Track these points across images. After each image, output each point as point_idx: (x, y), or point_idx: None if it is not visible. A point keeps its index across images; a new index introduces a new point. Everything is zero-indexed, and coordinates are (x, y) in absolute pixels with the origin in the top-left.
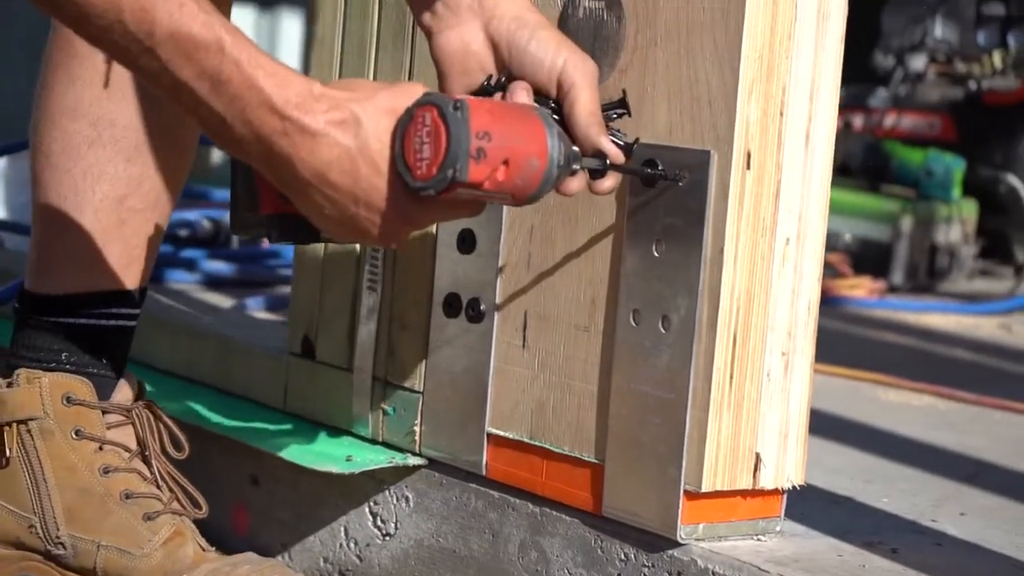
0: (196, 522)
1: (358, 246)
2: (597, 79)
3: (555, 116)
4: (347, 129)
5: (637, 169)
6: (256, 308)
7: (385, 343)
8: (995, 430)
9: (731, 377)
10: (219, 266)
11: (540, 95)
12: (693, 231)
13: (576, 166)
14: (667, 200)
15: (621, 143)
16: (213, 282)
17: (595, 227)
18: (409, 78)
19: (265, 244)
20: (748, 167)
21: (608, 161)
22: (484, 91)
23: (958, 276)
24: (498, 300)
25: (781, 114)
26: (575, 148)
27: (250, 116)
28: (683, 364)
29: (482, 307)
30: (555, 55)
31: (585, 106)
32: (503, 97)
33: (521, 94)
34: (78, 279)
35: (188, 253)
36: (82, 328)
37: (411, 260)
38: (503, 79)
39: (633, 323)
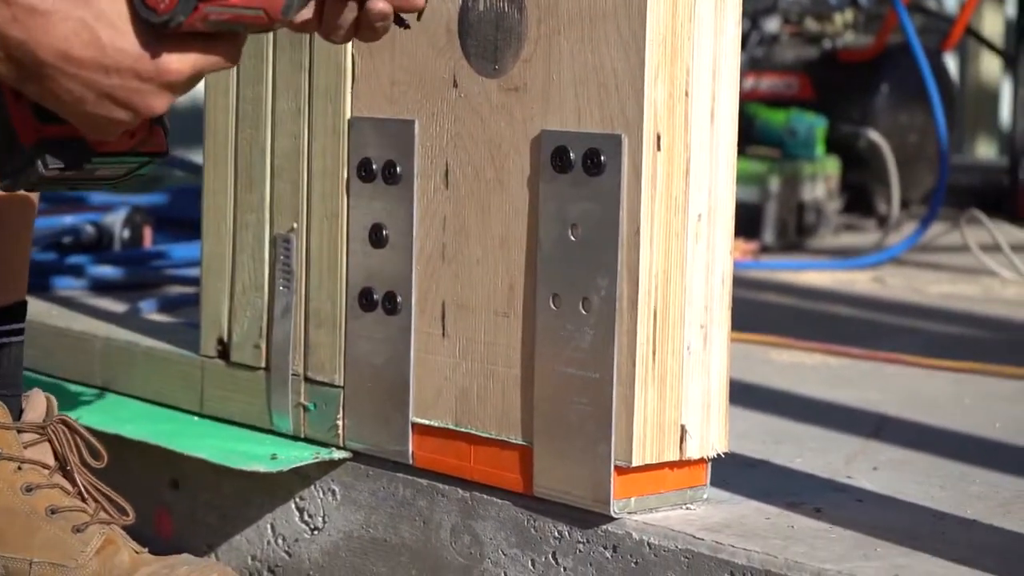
0: (125, 529)
1: (267, 250)
2: None
3: None
4: (75, 0)
5: None
6: (150, 311)
7: (302, 340)
8: (890, 384)
9: (654, 353)
10: (106, 270)
11: None
12: (608, 213)
13: None
14: (581, 185)
15: None
16: (101, 287)
17: (508, 215)
18: (309, 78)
19: (43, 171)
20: (659, 148)
21: None
22: None
23: (825, 232)
24: (414, 292)
25: (687, 95)
26: None
27: None
28: (606, 343)
29: (398, 299)
30: None
31: None
32: None
33: None
34: None
35: (74, 259)
36: None
37: (324, 256)
38: None
39: (553, 307)
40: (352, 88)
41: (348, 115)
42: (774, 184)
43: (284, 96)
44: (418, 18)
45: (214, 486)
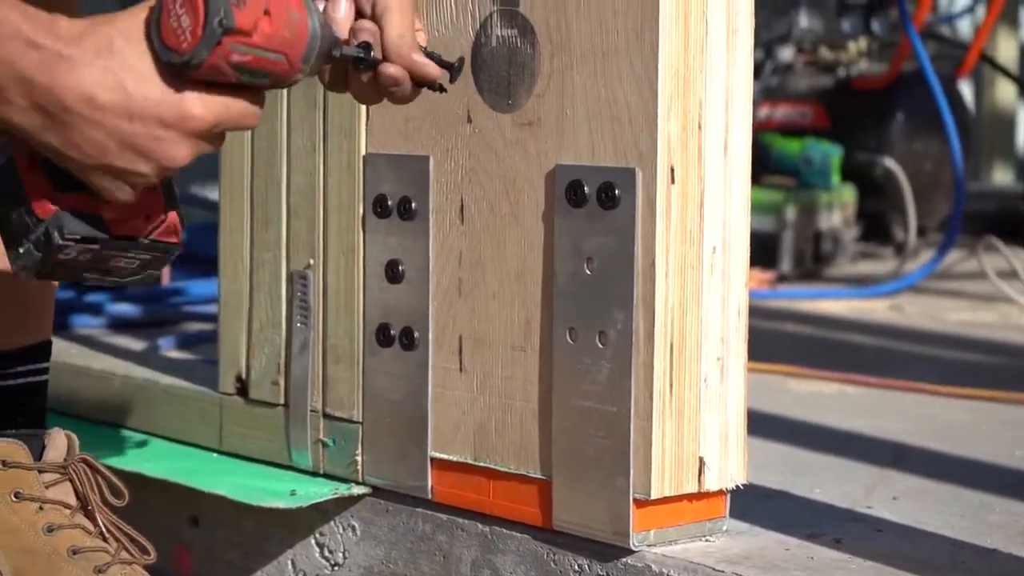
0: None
1: (284, 287)
2: (412, 2)
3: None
4: (102, 47)
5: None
6: (169, 348)
7: (320, 376)
8: (908, 413)
9: (671, 386)
10: (124, 308)
11: (360, 14)
12: (623, 247)
13: (337, 52)
14: (596, 218)
15: (442, 61)
16: (119, 324)
17: (524, 249)
18: (324, 114)
19: (59, 241)
20: (672, 181)
21: (372, 53)
22: None
23: (842, 260)
24: (431, 327)
25: (700, 127)
26: (336, 36)
27: (3, 52)
28: (623, 377)
29: (415, 335)
30: None
31: (394, 28)
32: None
33: (340, 4)
34: None
35: (92, 298)
36: None
37: (341, 292)
38: None
39: (570, 340)
40: (367, 124)
41: (363, 151)
42: (790, 213)
43: (299, 132)
44: (451, 80)
45: (234, 523)
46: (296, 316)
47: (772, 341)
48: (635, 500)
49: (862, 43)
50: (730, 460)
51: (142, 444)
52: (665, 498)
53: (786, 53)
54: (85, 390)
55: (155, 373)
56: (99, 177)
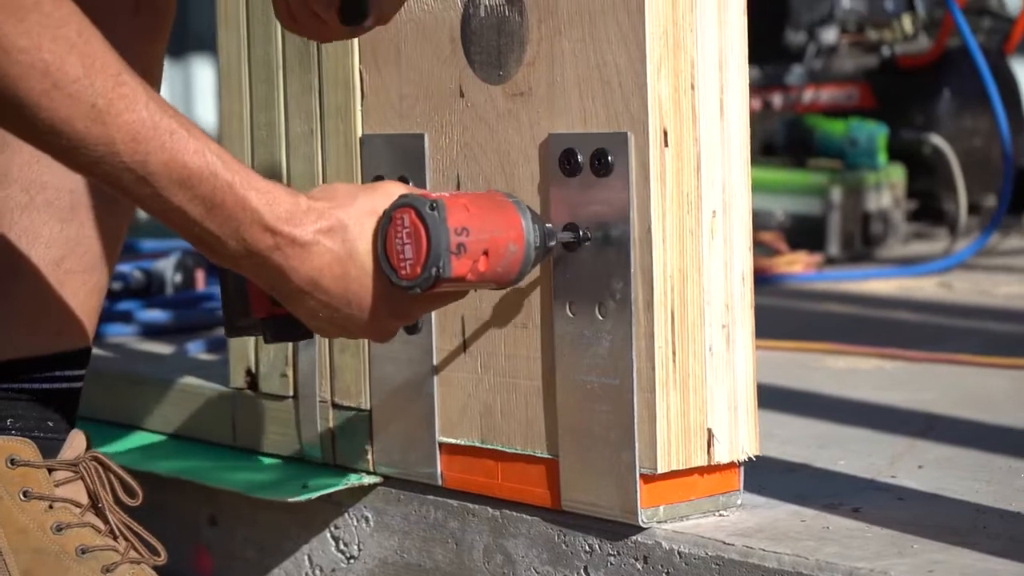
0: (159, 569)
1: None
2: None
3: None
4: (335, 236)
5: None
6: (197, 351)
7: (327, 366)
8: (944, 384)
9: (674, 355)
10: (155, 315)
11: None
12: (619, 214)
13: (552, 243)
14: (590, 187)
15: None
16: (151, 331)
17: None
18: (319, 98)
19: (265, 342)
20: (666, 144)
21: (583, 233)
22: None
23: (893, 241)
24: None
25: (692, 88)
26: (548, 225)
27: (244, 234)
28: (624, 348)
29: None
30: None
31: None
32: None
33: None
34: (19, 344)
35: (123, 305)
36: (25, 393)
37: None
38: None
39: (570, 314)
40: (362, 105)
41: (359, 133)
42: (836, 195)
43: (296, 118)
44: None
45: (251, 520)
46: None
47: (815, 321)
48: (642, 475)
49: (907, 21)
50: (741, 431)
51: (157, 443)
52: (674, 472)
53: (830, 35)
54: (103, 392)
55: (172, 373)
56: (305, 321)
